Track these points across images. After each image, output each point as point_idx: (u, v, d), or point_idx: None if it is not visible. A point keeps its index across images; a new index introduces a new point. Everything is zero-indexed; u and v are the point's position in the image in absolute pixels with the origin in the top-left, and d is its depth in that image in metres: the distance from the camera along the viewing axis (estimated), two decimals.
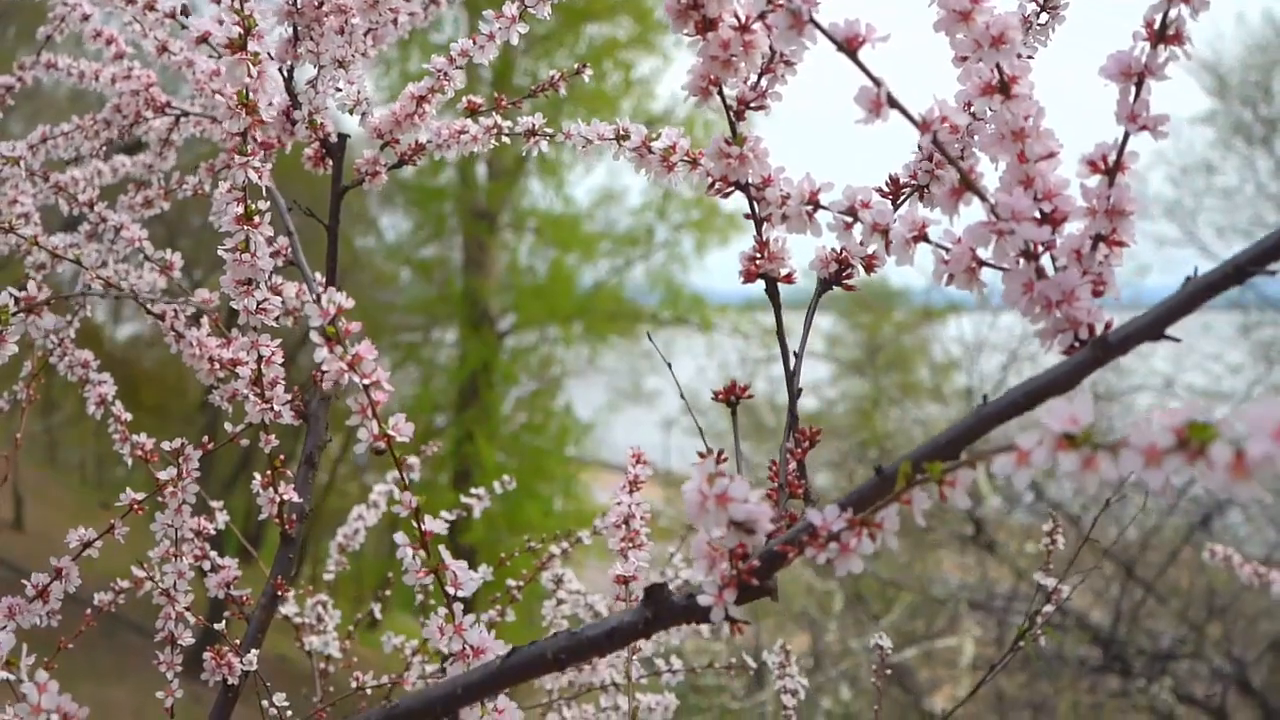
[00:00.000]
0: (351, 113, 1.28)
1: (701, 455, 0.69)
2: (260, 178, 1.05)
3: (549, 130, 1.26)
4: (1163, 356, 8.00)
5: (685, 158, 1.04)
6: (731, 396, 0.92)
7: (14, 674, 0.76)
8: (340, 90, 1.26)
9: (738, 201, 0.93)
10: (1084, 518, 5.57)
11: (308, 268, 1.27)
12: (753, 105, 0.91)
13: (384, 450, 0.78)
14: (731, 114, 0.89)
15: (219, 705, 1.15)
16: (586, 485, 11.07)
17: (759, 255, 0.92)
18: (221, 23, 1.05)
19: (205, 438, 1.17)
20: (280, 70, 1.23)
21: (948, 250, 0.77)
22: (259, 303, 1.06)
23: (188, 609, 1.16)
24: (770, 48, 0.85)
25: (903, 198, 0.89)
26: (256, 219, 1.05)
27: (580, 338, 11.46)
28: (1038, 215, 0.72)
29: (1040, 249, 0.72)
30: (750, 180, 0.90)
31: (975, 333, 8.70)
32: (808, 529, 0.63)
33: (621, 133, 1.10)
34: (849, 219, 0.86)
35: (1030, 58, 0.90)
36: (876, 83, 0.70)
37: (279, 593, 1.19)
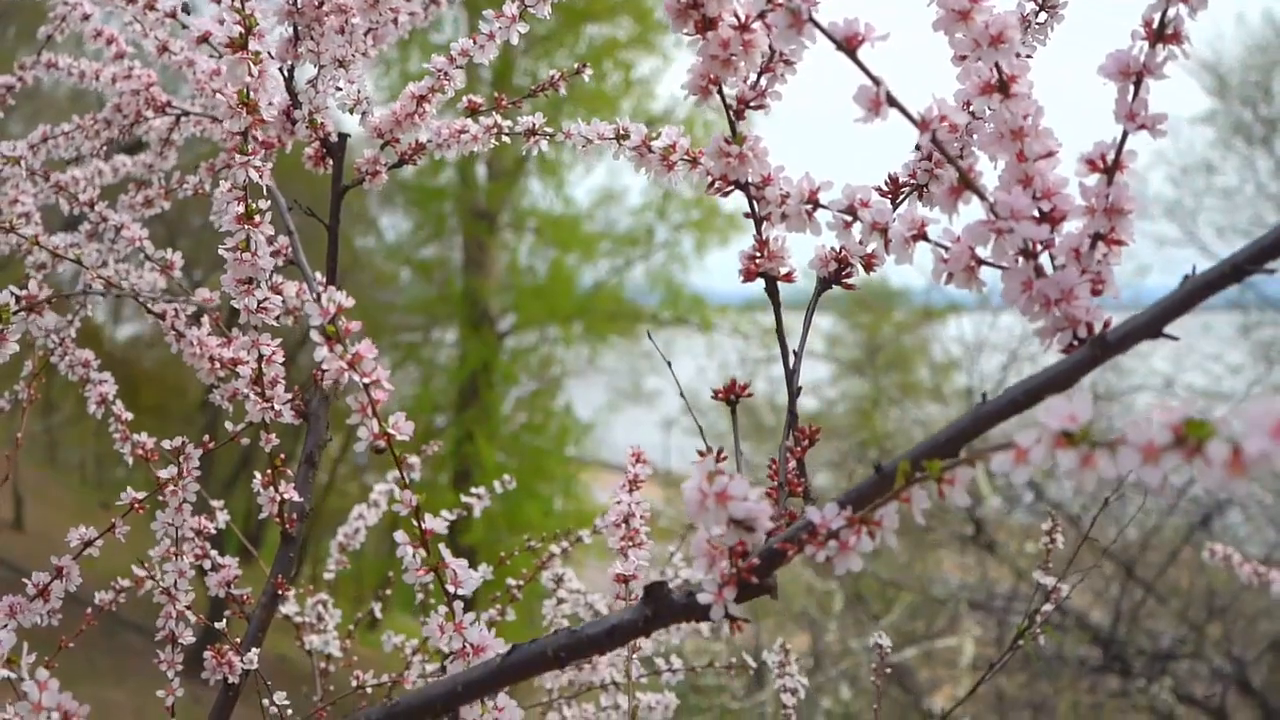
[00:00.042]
0: (352, 112, 1.28)
1: (701, 454, 0.69)
2: (261, 177, 1.05)
3: (549, 130, 1.26)
4: (1163, 356, 8.01)
5: (685, 157, 1.04)
6: (731, 395, 0.92)
7: (15, 672, 0.76)
8: (340, 90, 1.26)
9: (737, 201, 0.93)
10: (1083, 517, 5.57)
11: (308, 267, 1.27)
12: (752, 104, 0.91)
13: (384, 449, 0.78)
14: (731, 113, 0.89)
15: (219, 704, 1.15)
16: (586, 485, 11.07)
17: (759, 254, 0.92)
18: (222, 22, 1.05)
19: (206, 437, 1.17)
20: (281, 70, 1.23)
21: (947, 249, 0.77)
22: (260, 302, 1.07)
23: (188, 608, 1.16)
24: (770, 47, 0.86)
25: (902, 197, 0.89)
26: (257, 218, 1.05)
27: (580, 338, 11.46)
28: (1036, 214, 0.72)
29: (1039, 247, 0.72)
30: (750, 179, 0.90)
31: (975, 333, 8.70)
32: (807, 527, 0.63)
33: (621, 132, 1.11)
34: (848, 218, 0.86)
35: (1029, 57, 0.90)
36: (876, 82, 0.70)
37: (279, 592, 1.20)
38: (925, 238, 0.81)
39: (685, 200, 10.95)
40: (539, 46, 10.69)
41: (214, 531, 1.19)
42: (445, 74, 1.26)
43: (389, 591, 2.09)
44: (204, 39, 1.10)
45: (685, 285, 11.29)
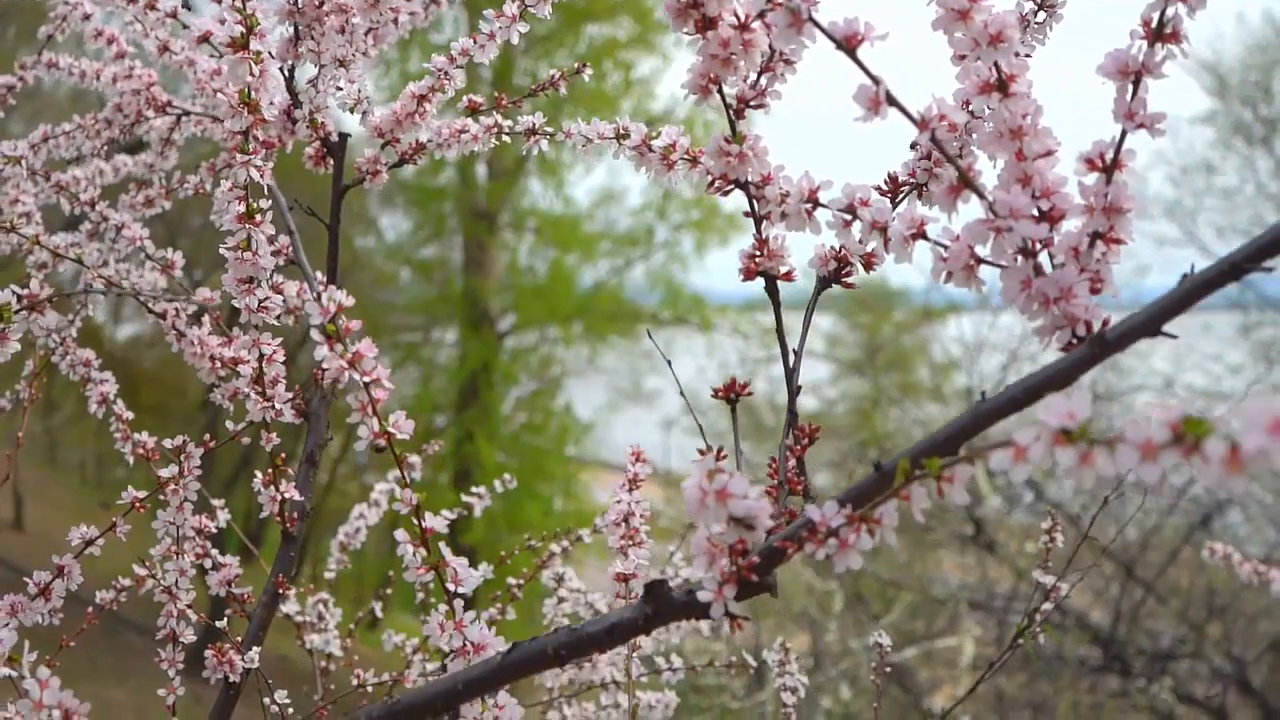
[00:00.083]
0: (352, 112, 1.29)
1: (701, 453, 0.69)
2: (262, 176, 1.05)
3: (549, 129, 1.26)
4: (1162, 356, 8.01)
5: (685, 156, 1.05)
6: (731, 394, 0.93)
7: (16, 670, 0.76)
8: (341, 89, 1.26)
9: (737, 201, 0.93)
10: (1083, 517, 5.57)
11: (308, 266, 1.27)
12: (752, 104, 0.91)
13: (384, 448, 0.78)
14: (731, 112, 0.89)
15: (220, 703, 1.15)
16: (586, 485, 11.07)
17: (759, 253, 0.93)
18: (223, 22, 1.05)
19: (207, 436, 1.17)
20: (281, 69, 1.23)
21: (946, 248, 0.77)
22: (260, 301, 1.07)
23: (189, 607, 1.16)
24: (770, 46, 0.86)
25: (901, 196, 0.89)
26: (258, 217, 1.05)
27: (580, 338, 11.46)
28: (1036, 213, 0.72)
29: (1038, 246, 0.72)
30: (750, 178, 0.90)
31: (975, 333, 8.70)
32: (807, 525, 0.63)
33: (621, 131, 1.11)
34: (848, 217, 0.86)
35: (1028, 56, 0.90)
36: (875, 81, 0.71)
37: (280, 591, 1.20)
38: (924, 236, 0.81)
39: (685, 200, 10.97)
40: (539, 46, 10.69)
41: (215, 530, 1.19)
42: (445, 74, 1.26)
43: (389, 591, 2.09)
44: (205, 39, 1.10)
45: (685, 285, 11.30)
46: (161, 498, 1.14)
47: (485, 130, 1.29)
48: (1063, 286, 0.71)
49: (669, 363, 1.17)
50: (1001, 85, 0.74)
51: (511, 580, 1.78)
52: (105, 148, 1.58)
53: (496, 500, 1.99)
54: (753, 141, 0.88)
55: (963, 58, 0.75)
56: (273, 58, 1.19)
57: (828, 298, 0.96)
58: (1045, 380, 0.66)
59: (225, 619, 1.23)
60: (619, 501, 1.10)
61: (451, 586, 0.81)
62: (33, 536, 9.63)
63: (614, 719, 1.61)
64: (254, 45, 1.06)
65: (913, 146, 0.87)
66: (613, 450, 10.92)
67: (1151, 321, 0.65)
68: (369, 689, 1.70)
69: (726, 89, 0.87)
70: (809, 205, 0.89)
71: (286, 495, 1.16)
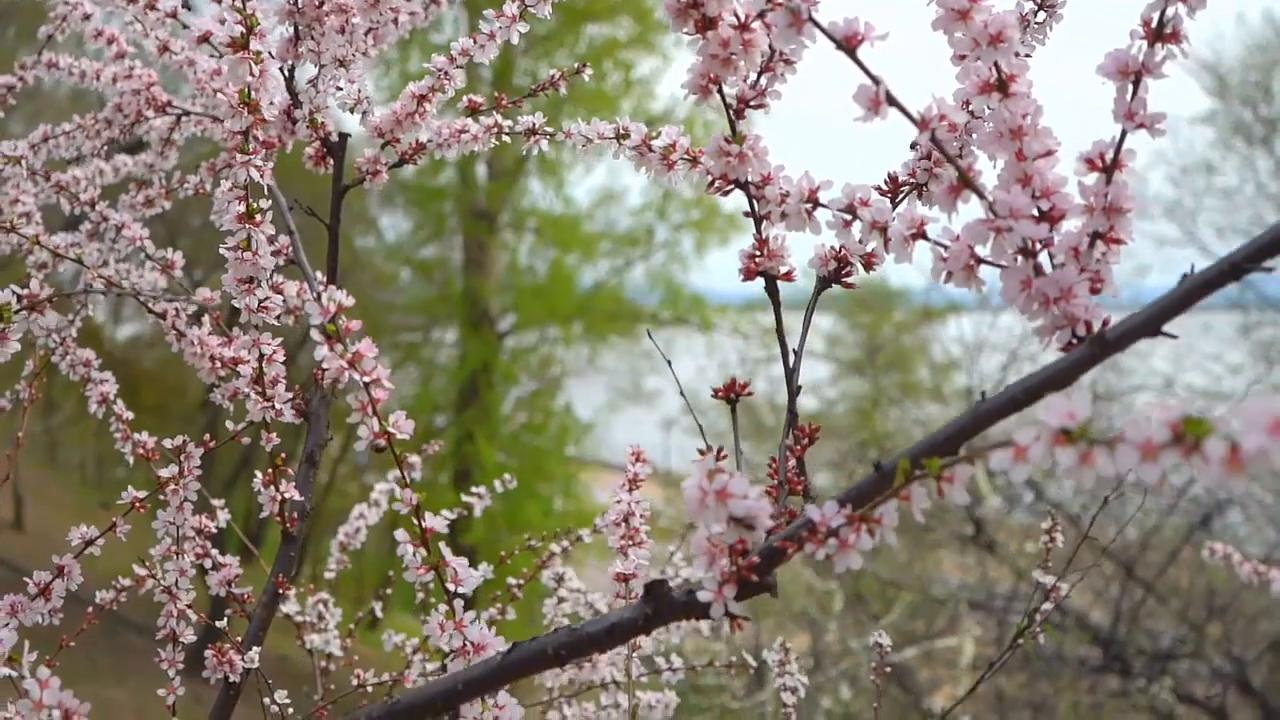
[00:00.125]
0: (352, 112, 1.29)
1: (701, 453, 0.69)
2: (262, 176, 1.05)
3: (549, 130, 1.26)
4: (1162, 356, 8.01)
5: (685, 156, 1.05)
6: (731, 394, 0.93)
7: (16, 670, 0.76)
8: (341, 89, 1.26)
9: (737, 201, 0.93)
10: (1083, 517, 5.57)
11: (308, 266, 1.27)
12: (752, 104, 0.91)
13: (384, 448, 0.78)
14: (731, 112, 0.89)
15: (220, 703, 1.15)
16: (586, 485, 11.07)
17: (759, 253, 0.93)
18: (223, 22, 1.05)
19: (207, 436, 1.17)
20: (281, 69, 1.23)
21: (946, 248, 0.77)
22: (260, 301, 1.07)
23: (189, 607, 1.16)
24: (770, 46, 0.86)
25: (901, 196, 0.89)
26: (258, 217, 1.05)
27: (580, 338, 11.47)
28: (1036, 213, 0.72)
29: (1038, 246, 0.72)
30: (750, 178, 0.90)
31: (975, 333, 8.70)
32: (807, 525, 0.63)
33: (621, 131, 1.11)
34: (848, 217, 0.86)
35: (1028, 56, 0.90)
36: (875, 81, 0.71)
37: (280, 591, 1.20)
38: (924, 236, 0.81)
39: (685, 200, 10.97)
40: (539, 46, 10.69)
41: (215, 530, 1.19)
42: (445, 74, 1.26)
43: (389, 591, 2.09)
44: (205, 39, 1.10)
45: (685, 285, 11.30)
46: (161, 498, 1.14)
47: (485, 130, 1.29)
48: (1063, 286, 0.71)
49: (669, 363, 1.17)
50: (1001, 85, 0.74)
51: (511, 580, 1.78)
52: (105, 148, 1.58)
53: (496, 500, 1.99)
54: (753, 141, 0.88)
55: (963, 58, 0.75)
56: (273, 58, 1.19)
57: (828, 298, 0.96)
58: (1045, 380, 0.66)
59: (225, 619, 1.23)
60: (619, 501, 1.10)
61: (451, 586, 0.81)
62: (33, 536, 9.63)
63: (614, 719, 1.61)
64: (254, 45, 1.06)
65: (913, 146, 0.87)
66: (613, 450, 10.92)
67: (1151, 321, 0.65)
68: (369, 689, 1.70)
69: (726, 89, 0.87)
70: (809, 205, 0.89)
71: (286, 495, 1.16)
